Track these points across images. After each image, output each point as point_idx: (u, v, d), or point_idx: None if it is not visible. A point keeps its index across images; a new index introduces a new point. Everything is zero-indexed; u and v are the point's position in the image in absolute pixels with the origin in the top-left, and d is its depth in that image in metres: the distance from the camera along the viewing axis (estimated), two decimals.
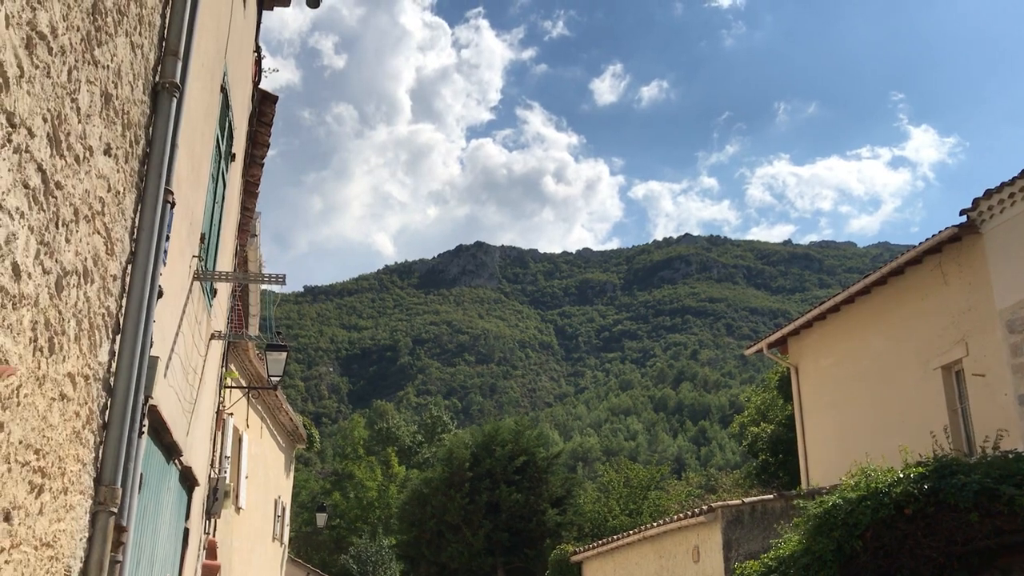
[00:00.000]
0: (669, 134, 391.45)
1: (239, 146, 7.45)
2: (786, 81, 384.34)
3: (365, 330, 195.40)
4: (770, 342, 13.95)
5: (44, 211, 2.45)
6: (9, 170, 2.15)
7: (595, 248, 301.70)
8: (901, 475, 7.03)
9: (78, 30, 2.63)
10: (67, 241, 2.72)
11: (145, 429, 3.90)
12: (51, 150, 2.49)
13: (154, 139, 3.71)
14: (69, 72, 2.60)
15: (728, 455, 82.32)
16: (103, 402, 3.38)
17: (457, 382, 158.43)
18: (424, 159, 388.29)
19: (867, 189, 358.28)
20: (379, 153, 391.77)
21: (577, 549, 16.40)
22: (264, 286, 9.62)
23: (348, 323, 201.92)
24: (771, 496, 10.86)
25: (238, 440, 10.43)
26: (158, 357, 4.01)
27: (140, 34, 3.42)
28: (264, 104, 8.05)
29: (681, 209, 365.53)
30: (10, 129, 2.14)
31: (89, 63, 2.79)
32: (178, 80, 3.79)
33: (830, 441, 12.70)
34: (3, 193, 2.12)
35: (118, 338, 3.50)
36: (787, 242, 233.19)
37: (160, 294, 3.90)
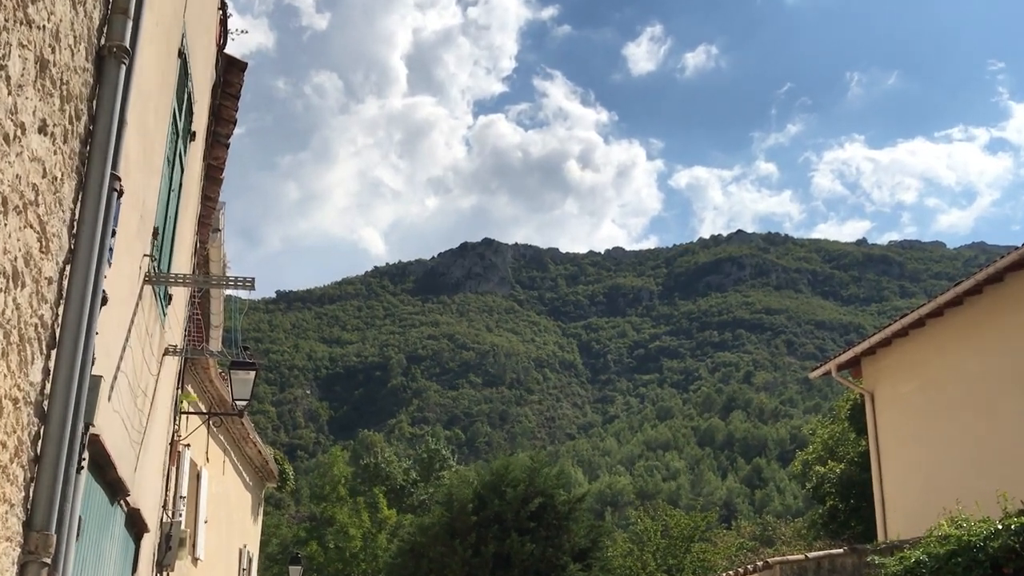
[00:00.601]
0: (718, 110, 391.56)
1: (200, 123, 7.53)
2: (861, 47, 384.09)
3: (350, 345, 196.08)
4: (840, 363, 13.87)
5: None
6: None
7: (628, 247, 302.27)
8: (1000, 526, 6.95)
9: None
10: None
11: (85, 463, 3.91)
12: None
13: (98, 115, 3.73)
14: None
15: (788, 500, 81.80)
16: (35, 430, 3.39)
17: (460, 408, 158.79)
18: (422, 139, 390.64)
19: (959, 178, 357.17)
20: (368, 131, 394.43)
21: None
22: (229, 291, 9.69)
23: (329, 336, 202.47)
24: (841, 550, 10.79)
25: (196, 477, 10.49)
26: (101, 377, 4.03)
27: None
28: (230, 73, 8.11)
29: (733, 201, 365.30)
30: None
31: (21, 23, 2.80)
32: (127, 43, 3.81)
33: (913, 484, 12.60)
34: None
35: (53, 353, 3.51)
36: (861, 241, 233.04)
37: (104, 301, 3.92)
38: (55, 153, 3.30)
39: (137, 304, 5.18)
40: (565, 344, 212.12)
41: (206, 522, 11.11)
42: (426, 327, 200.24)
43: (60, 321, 3.54)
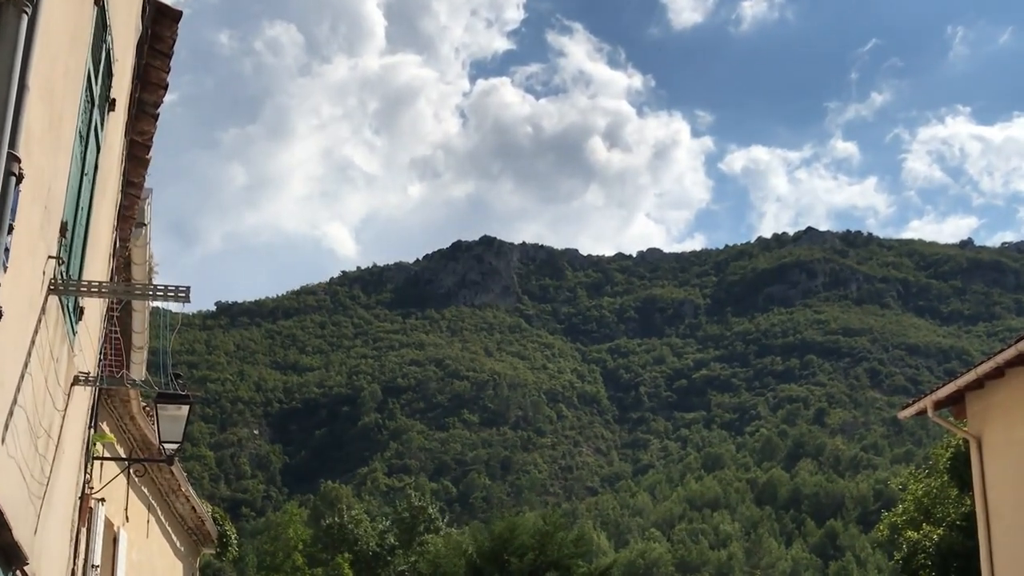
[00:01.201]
0: (784, 75, 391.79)
1: (122, 88, 7.51)
2: None
3: (310, 372, 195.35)
4: (938, 400, 13.80)
5: None
6: None
7: (667, 249, 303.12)
8: None
9: None
10: None
11: None
12: None
13: None
14: None
15: (872, 574, 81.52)
16: None
17: (451, 454, 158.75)
18: (405, 109, 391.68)
19: None
20: (335, 99, 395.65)
21: None
22: (157, 303, 9.68)
23: (284, 360, 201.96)
24: None
25: (113, 540, 10.45)
26: None
27: None
28: (160, 24, 8.10)
29: (801, 190, 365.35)
30: None
31: None
32: None
33: None
34: None
35: None
36: (966, 243, 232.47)
37: None
38: None
39: (39, 320, 5.16)
40: (586, 372, 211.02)
41: None
42: (408, 350, 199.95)
43: None
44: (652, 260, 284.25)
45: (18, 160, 3.87)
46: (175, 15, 8.08)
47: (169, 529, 14.73)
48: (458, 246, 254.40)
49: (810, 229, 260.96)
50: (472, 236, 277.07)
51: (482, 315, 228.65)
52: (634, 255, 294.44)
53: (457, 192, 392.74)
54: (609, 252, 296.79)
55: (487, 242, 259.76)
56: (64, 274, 5.66)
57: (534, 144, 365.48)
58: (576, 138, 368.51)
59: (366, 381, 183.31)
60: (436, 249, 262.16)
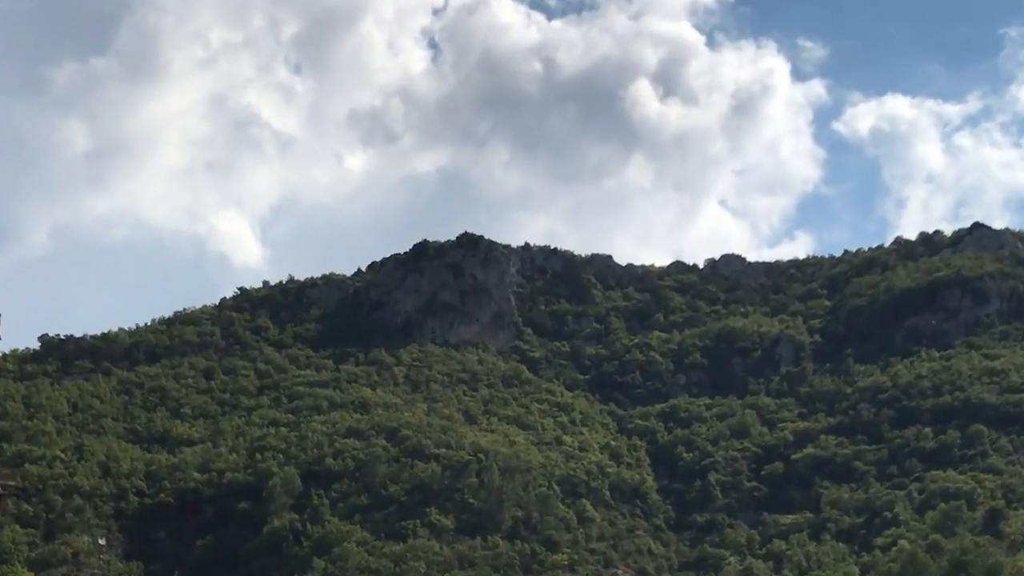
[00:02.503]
0: None
1: None
2: None
3: (188, 446, 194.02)
4: None
5: None
6: None
7: (753, 257, 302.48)
8: None
9: None
10: None
11: None
12: None
13: None
14: None
15: None
16: None
17: None
18: (342, 33, 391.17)
19: None
20: (233, 17, 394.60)
21: None
22: None
23: (147, 429, 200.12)
24: None
25: None
26: None
27: None
28: None
29: (965, 162, 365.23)
30: None
31: None
32: None
33: None
34: None
35: None
36: None
37: None
38: None
39: None
40: (624, 450, 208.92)
41: None
42: (343, 413, 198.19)
43: None
44: (729, 274, 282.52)
45: None
46: None
47: None
48: (423, 250, 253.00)
49: (979, 225, 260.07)
50: (446, 233, 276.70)
51: (460, 358, 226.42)
52: (701, 265, 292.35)
53: (423, 164, 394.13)
54: (662, 260, 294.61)
55: (469, 243, 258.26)
56: None
57: (544, 90, 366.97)
58: (611, 81, 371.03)
59: (276, 463, 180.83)
60: (389, 255, 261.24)
